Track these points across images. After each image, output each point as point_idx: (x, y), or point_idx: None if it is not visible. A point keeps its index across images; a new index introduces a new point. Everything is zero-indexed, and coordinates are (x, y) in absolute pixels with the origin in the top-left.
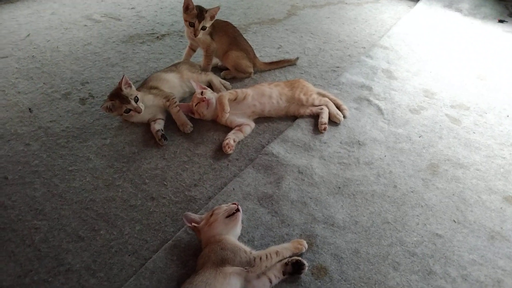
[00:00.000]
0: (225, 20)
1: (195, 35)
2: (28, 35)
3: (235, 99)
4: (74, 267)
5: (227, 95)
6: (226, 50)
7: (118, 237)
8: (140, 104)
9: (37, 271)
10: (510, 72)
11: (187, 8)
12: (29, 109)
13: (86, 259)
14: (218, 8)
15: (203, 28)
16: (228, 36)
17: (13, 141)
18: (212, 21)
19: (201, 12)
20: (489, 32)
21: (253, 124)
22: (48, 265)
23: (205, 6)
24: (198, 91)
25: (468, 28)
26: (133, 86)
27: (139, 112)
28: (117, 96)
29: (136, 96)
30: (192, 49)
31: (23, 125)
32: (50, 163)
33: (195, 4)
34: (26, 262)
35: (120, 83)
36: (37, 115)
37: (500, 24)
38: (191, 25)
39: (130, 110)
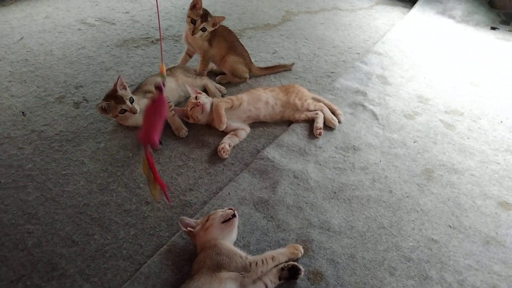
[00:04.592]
0: (222, 25)
1: (193, 32)
2: (22, 38)
3: (231, 107)
4: (68, 272)
5: (223, 104)
6: (224, 55)
7: (112, 242)
8: (135, 105)
9: (30, 276)
10: (503, 78)
11: (194, 6)
12: (22, 112)
13: (80, 264)
14: (223, 18)
15: (203, 30)
16: (226, 41)
17: (6, 145)
18: (214, 28)
19: (205, 15)
20: (482, 39)
21: (248, 129)
22: (42, 270)
23: None
24: (193, 95)
25: (461, 34)
26: (128, 88)
27: (134, 113)
28: (112, 97)
29: (131, 97)
30: (189, 55)
31: (16, 128)
32: (43, 167)
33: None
34: (19, 267)
35: (115, 84)
36: (31, 118)
37: (493, 31)
38: (193, 22)
39: (125, 110)
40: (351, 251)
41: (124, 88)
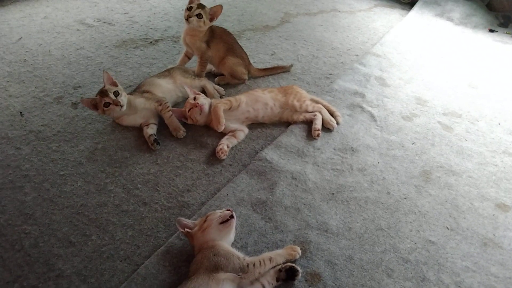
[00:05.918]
0: (221, 26)
1: (189, 16)
2: (20, 38)
3: (230, 108)
4: (65, 273)
5: (222, 106)
6: (223, 56)
7: (109, 243)
8: (121, 99)
9: (27, 276)
10: (501, 80)
11: (192, 1)
12: (20, 112)
13: (77, 265)
14: (220, 6)
15: (199, 16)
16: (224, 43)
17: (4, 145)
18: (212, 22)
19: (203, 5)
20: (480, 41)
21: (246, 130)
22: (38, 270)
23: None
24: (191, 96)
25: (459, 37)
26: (119, 85)
27: (116, 105)
28: (99, 92)
29: (116, 91)
30: (187, 56)
31: (14, 129)
32: (41, 167)
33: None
34: (16, 267)
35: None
36: (29, 119)
37: (490, 33)
38: (189, 8)
39: (109, 104)
40: (349, 253)
41: (114, 84)
